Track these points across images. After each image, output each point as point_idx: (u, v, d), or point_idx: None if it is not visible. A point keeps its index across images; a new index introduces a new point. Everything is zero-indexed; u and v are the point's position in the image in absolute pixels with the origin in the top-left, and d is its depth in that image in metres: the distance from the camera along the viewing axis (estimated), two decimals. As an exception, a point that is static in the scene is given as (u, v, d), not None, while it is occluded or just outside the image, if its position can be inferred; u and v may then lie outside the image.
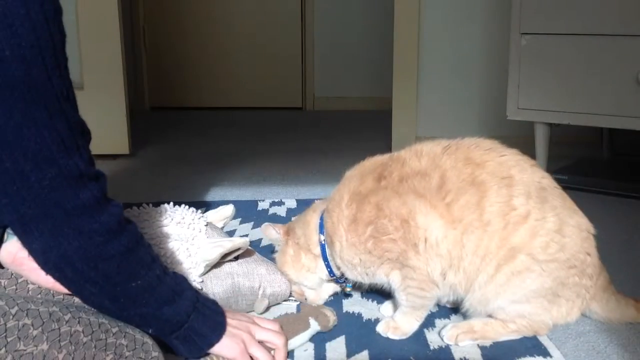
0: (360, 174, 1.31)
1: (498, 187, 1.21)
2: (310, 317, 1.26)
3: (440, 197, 1.21)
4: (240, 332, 1.12)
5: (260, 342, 1.15)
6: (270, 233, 1.42)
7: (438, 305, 1.42)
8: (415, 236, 1.22)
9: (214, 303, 1.15)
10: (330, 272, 1.36)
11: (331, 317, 1.28)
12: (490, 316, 1.28)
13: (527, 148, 1.33)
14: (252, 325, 1.16)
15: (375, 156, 1.36)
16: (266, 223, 1.42)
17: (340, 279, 1.38)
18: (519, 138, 1.42)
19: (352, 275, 1.34)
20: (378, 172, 1.28)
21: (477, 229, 1.20)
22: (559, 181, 1.34)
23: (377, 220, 1.24)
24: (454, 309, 1.39)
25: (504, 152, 1.26)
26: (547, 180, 1.27)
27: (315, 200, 1.48)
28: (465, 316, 1.33)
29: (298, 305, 1.40)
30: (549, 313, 1.25)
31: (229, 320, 1.13)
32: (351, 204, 1.27)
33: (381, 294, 1.46)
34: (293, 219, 1.50)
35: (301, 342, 1.23)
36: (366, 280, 1.34)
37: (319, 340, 1.26)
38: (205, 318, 1.10)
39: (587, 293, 1.27)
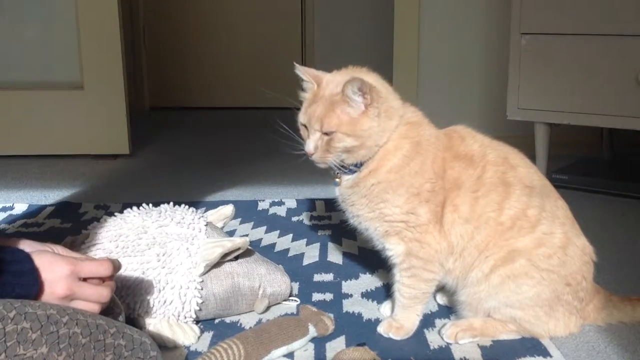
0: (462, 137, 1.31)
1: (521, 192, 1.24)
2: (309, 324, 1.26)
3: (473, 189, 1.24)
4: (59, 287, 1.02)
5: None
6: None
7: (438, 305, 1.42)
8: (445, 215, 1.25)
9: (19, 263, 1.01)
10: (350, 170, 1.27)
11: (330, 326, 1.29)
12: (488, 316, 1.28)
13: (527, 148, 1.33)
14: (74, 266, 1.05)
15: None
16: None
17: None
18: (519, 138, 1.42)
19: (366, 205, 1.27)
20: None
21: (490, 226, 1.23)
22: (559, 181, 1.34)
23: (439, 179, 1.24)
24: (454, 309, 1.39)
25: (533, 167, 1.32)
26: (562, 202, 1.31)
27: None
28: (463, 316, 1.33)
29: (297, 306, 1.40)
30: (545, 325, 1.26)
31: (43, 276, 1.02)
32: (445, 153, 1.28)
33: (381, 294, 1.47)
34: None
35: (299, 347, 1.24)
36: (367, 216, 1.28)
37: (319, 340, 1.27)
38: (5, 287, 0.98)
39: (577, 313, 1.29)
